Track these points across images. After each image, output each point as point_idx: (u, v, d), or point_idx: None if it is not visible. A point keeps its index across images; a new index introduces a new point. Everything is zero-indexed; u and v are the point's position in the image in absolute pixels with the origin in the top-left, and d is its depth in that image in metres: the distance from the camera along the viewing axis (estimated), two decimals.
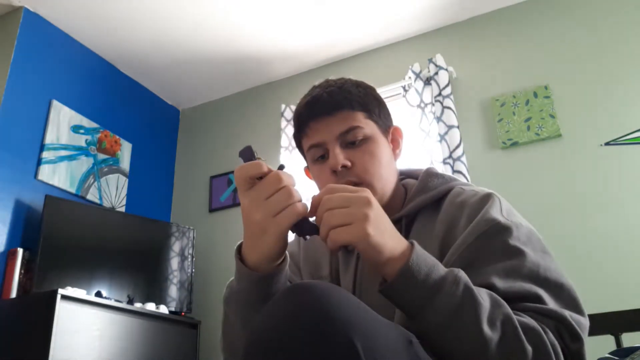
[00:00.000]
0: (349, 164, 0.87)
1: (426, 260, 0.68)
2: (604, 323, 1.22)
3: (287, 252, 0.76)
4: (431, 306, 0.65)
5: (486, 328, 0.63)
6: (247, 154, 0.72)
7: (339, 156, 0.87)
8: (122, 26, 3.06)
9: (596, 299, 2.18)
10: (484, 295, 0.66)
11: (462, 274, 0.67)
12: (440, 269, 0.68)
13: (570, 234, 2.44)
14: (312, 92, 0.93)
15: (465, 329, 0.64)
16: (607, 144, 2.54)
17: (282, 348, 0.55)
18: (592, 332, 1.19)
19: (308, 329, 0.55)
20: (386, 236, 0.67)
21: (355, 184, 0.87)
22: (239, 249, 0.76)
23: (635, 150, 2.48)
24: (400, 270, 0.66)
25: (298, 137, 0.96)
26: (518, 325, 0.64)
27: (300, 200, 0.68)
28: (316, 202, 0.69)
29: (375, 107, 0.93)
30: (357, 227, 0.65)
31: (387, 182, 0.90)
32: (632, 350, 0.99)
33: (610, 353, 1.03)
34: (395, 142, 0.97)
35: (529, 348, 0.63)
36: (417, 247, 0.69)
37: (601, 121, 2.59)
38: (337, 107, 0.89)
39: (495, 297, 0.68)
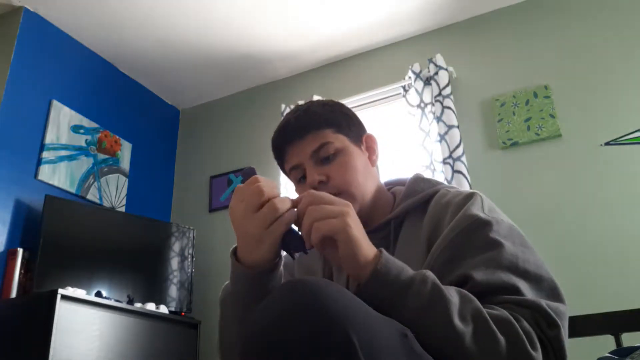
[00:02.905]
0: (324, 178, 0.92)
1: (395, 263, 0.72)
2: (604, 323, 1.22)
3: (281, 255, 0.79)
4: (402, 305, 0.68)
5: (458, 322, 0.66)
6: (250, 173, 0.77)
7: (314, 174, 0.92)
8: (122, 26, 3.06)
9: (596, 299, 2.18)
10: (452, 292, 0.69)
11: (430, 274, 0.71)
12: (409, 271, 0.71)
13: (570, 234, 2.44)
14: (283, 120, 0.99)
15: (437, 324, 0.66)
16: (607, 144, 2.54)
17: (279, 343, 0.56)
18: (592, 332, 1.20)
19: (305, 323, 0.55)
20: (363, 235, 0.73)
21: (335, 195, 0.90)
22: (235, 250, 0.79)
23: (635, 150, 2.48)
24: (371, 273, 0.70)
25: (280, 164, 1.01)
26: (488, 318, 0.67)
27: (287, 210, 0.73)
28: (297, 203, 0.75)
29: (343, 121, 0.98)
30: (339, 220, 0.71)
31: (366, 188, 0.94)
32: (632, 350, 0.99)
33: (610, 353, 1.03)
34: (370, 149, 1.02)
35: (502, 338, 0.66)
36: (385, 252, 0.73)
37: (601, 121, 2.59)
38: (305, 130, 0.95)
39: (464, 293, 0.70)
